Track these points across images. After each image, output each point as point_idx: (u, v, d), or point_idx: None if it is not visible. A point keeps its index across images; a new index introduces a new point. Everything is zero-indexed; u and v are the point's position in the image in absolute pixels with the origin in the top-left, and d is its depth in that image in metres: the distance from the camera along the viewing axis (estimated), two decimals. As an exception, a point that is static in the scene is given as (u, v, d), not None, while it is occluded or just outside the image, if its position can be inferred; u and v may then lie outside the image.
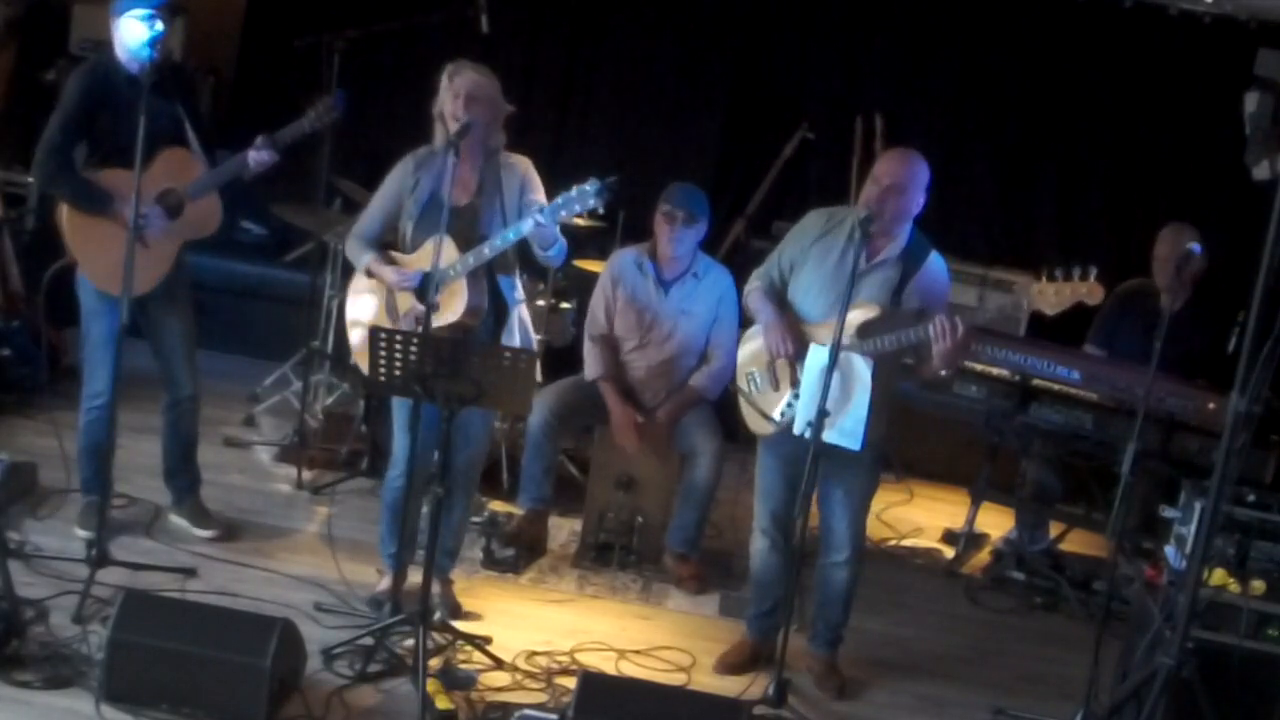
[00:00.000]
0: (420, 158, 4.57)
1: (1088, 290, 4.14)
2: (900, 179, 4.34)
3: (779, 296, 4.56)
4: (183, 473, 5.14)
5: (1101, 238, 7.39)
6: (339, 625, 4.51)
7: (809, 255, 4.50)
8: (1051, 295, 4.17)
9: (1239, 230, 6.90)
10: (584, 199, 4.27)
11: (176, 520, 5.13)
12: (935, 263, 4.45)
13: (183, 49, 4.87)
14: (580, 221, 6.36)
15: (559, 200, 4.31)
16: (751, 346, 4.65)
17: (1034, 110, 7.54)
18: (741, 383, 4.67)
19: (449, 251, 4.40)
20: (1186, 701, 3.74)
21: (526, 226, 4.35)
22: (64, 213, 4.71)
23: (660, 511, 5.46)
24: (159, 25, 4.60)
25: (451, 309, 4.47)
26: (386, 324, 4.56)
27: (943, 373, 4.28)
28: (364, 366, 4.53)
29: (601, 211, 4.54)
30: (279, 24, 7.37)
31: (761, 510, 4.69)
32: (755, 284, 4.65)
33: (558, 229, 4.45)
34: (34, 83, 7.11)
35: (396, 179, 4.61)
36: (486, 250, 4.40)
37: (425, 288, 4.33)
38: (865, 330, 4.29)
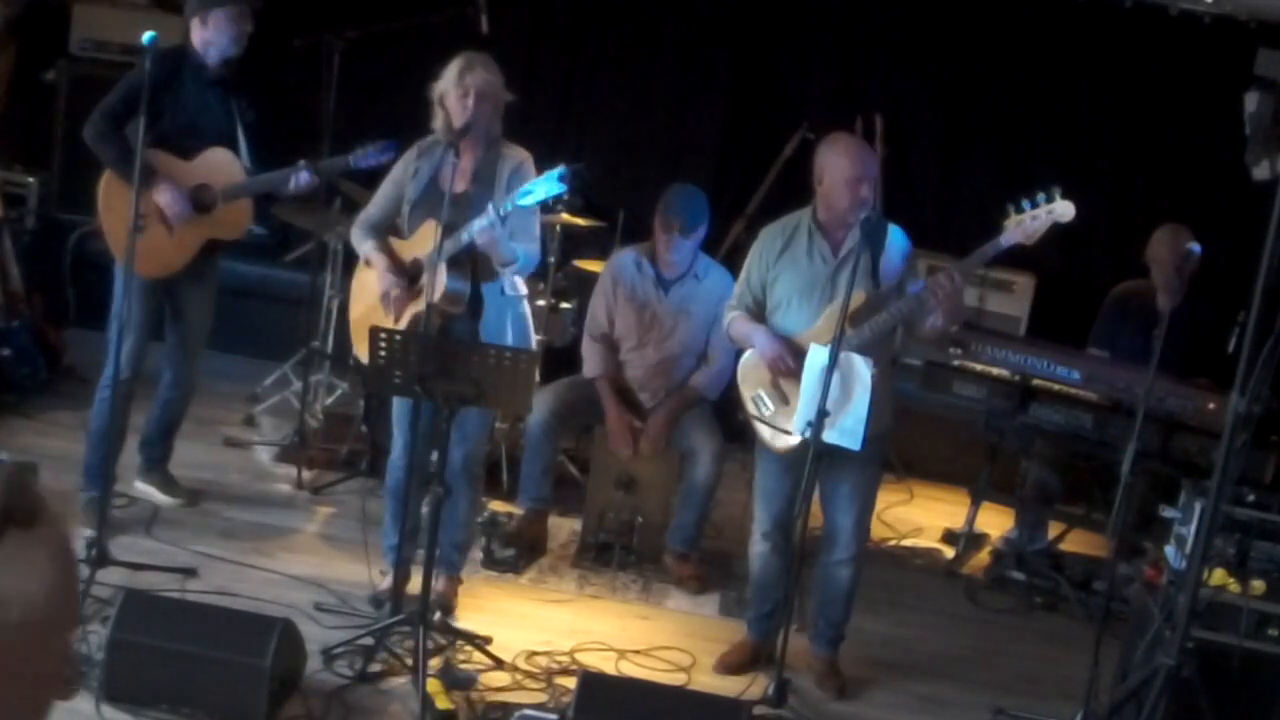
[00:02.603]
0: (423, 147, 4.63)
1: (1060, 209, 4.13)
2: (875, 170, 4.36)
3: (758, 320, 4.55)
4: (158, 445, 5.26)
5: (1101, 237, 7.39)
6: (339, 625, 4.51)
7: (779, 272, 4.49)
8: (1028, 222, 4.16)
9: (1239, 230, 6.90)
10: (548, 184, 4.21)
11: (143, 486, 5.21)
12: (896, 236, 4.48)
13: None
14: (581, 221, 6.36)
15: (514, 194, 4.28)
16: (749, 370, 4.60)
17: (1034, 110, 7.53)
18: (750, 408, 4.61)
19: (432, 237, 4.43)
20: (1186, 701, 3.74)
21: (476, 226, 4.28)
22: (103, 182, 4.85)
23: (660, 511, 5.46)
24: (248, 25, 4.85)
25: (430, 292, 4.49)
26: (382, 314, 4.59)
27: (953, 329, 4.27)
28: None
29: (565, 197, 4.51)
30: (279, 24, 7.34)
31: (763, 514, 4.66)
32: (733, 314, 4.62)
33: (510, 244, 4.40)
34: (34, 83, 7.11)
35: (400, 167, 4.67)
36: (464, 237, 4.38)
37: (416, 277, 4.37)
38: (855, 318, 4.28)
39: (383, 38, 6.33)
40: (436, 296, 4.42)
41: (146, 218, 4.71)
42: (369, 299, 4.71)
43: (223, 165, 4.86)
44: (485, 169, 4.57)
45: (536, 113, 7.69)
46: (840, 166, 4.36)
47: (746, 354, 4.63)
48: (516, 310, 4.69)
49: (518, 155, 4.62)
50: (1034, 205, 4.14)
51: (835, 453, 4.29)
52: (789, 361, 4.40)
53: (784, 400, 4.48)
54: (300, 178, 4.85)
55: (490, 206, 4.30)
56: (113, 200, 4.85)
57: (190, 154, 4.76)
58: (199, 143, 4.73)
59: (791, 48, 7.73)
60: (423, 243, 4.45)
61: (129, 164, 4.68)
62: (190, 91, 4.77)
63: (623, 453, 5.39)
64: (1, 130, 7.16)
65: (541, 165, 4.72)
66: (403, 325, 4.52)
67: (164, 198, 4.77)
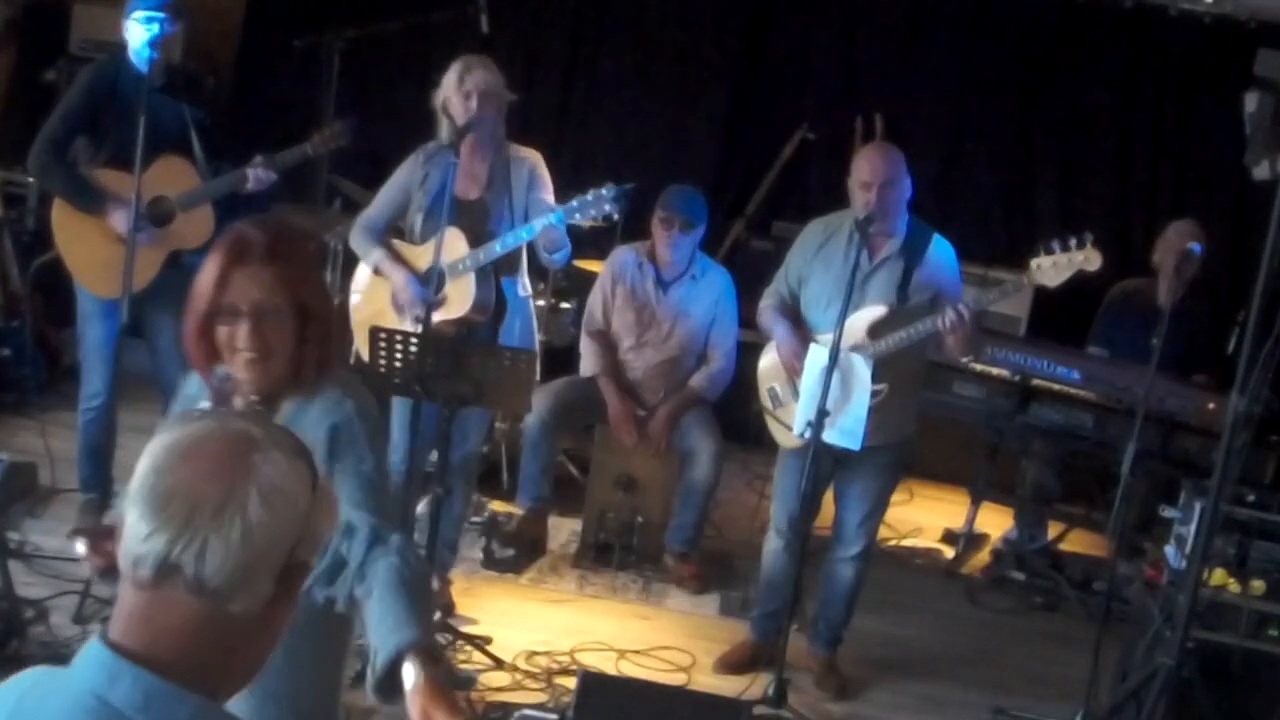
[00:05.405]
0: (429, 151, 4.61)
1: (1085, 257, 4.13)
2: (889, 174, 4.33)
3: (792, 312, 4.55)
4: None
5: (1101, 237, 7.35)
6: (339, 625, 4.50)
7: (813, 268, 4.49)
8: (1050, 268, 4.16)
9: (1239, 230, 6.91)
10: (599, 204, 4.30)
11: None
12: (939, 248, 4.45)
13: (182, 49, 4.87)
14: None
15: (574, 203, 4.33)
16: (769, 360, 4.62)
17: (1034, 110, 7.53)
18: (764, 399, 4.64)
19: (457, 246, 4.41)
20: (1186, 701, 3.74)
21: (539, 226, 4.37)
22: (55, 208, 4.73)
23: (660, 511, 5.46)
24: (160, 26, 4.56)
25: (458, 304, 4.48)
26: (392, 318, 4.58)
27: (964, 360, 4.28)
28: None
29: (616, 217, 4.54)
30: (279, 24, 7.36)
31: (779, 512, 4.65)
32: (766, 301, 4.63)
33: (565, 232, 4.46)
34: (34, 83, 7.11)
35: (405, 172, 4.65)
36: (497, 247, 4.42)
37: (433, 286, 4.35)
38: (875, 330, 4.29)
39: (383, 38, 6.33)
40: (468, 308, 4.43)
41: (103, 238, 4.61)
42: (378, 303, 4.69)
43: (176, 173, 4.68)
44: (498, 173, 4.56)
45: (536, 113, 7.71)
46: (855, 169, 4.38)
47: (767, 346, 4.66)
48: (524, 312, 4.72)
49: (530, 156, 4.62)
50: (1064, 247, 4.13)
51: (852, 454, 4.31)
52: (800, 362, 4.41)
53: (796, 397, 4.50)
54: (259, 173, 4.66)
55: (549, 214, 4.34)
56: (68, 228, 4.70)
57: (143, 167, 4.45)
58: (151, 152, 4.46)
59: (791, 48, 7.73)
60: (445, 250, 4.34)
61: (81, 192, 4.64)
62: (135, 102, 4.48)
63: (625, 442, 5.38)
64: (1, 130, 7.15)
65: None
66: None
67: (119, 222, 4.57)
